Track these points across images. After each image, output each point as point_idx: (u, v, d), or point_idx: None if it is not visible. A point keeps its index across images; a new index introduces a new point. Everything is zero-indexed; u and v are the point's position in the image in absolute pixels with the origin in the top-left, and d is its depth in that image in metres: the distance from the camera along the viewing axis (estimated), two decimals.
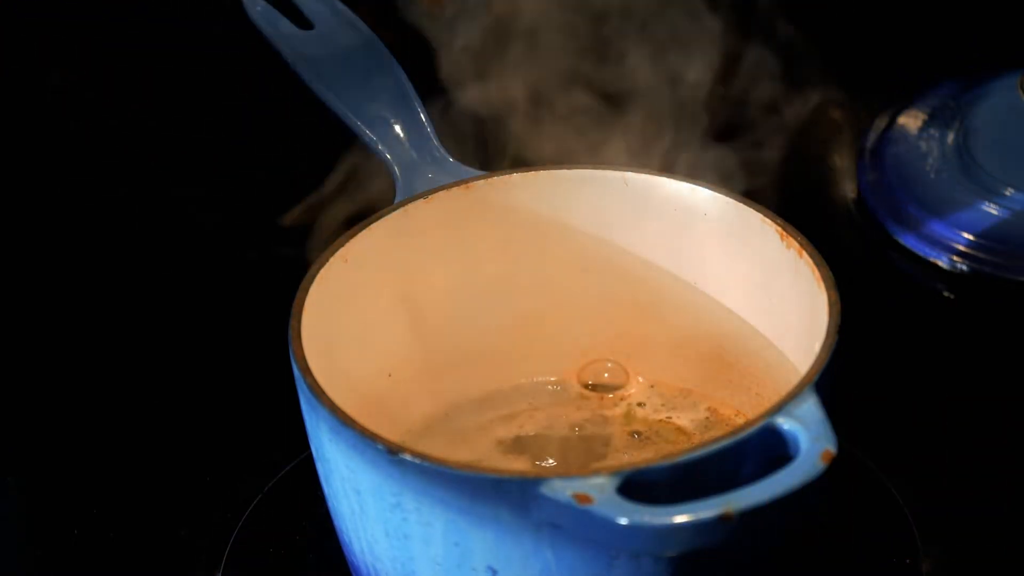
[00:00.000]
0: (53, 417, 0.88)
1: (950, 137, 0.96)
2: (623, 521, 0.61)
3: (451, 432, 0.80)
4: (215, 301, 0.94)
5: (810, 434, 0.63)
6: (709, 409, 0.80)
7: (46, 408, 0.89)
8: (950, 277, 0.91)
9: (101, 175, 1.04)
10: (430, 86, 0.84)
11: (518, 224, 0.79)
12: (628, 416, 0.80)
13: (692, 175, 0.78)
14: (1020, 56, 0.99)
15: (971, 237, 0.91)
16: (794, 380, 0.66)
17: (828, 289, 0.71)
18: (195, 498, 0.82)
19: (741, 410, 0.79)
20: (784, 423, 0.64)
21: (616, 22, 0.92)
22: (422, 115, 0.81)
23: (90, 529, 0.81)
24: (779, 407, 0.65)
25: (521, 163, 0.83)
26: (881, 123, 1.00)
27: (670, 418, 0.80)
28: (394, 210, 0.77)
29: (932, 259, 0.92)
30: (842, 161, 1.00)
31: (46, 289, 0.96)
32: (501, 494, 0.64)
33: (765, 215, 0.75)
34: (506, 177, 0.79)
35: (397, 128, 0.80)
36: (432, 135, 0.80)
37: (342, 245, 0.75)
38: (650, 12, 0.94)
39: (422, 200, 0.78)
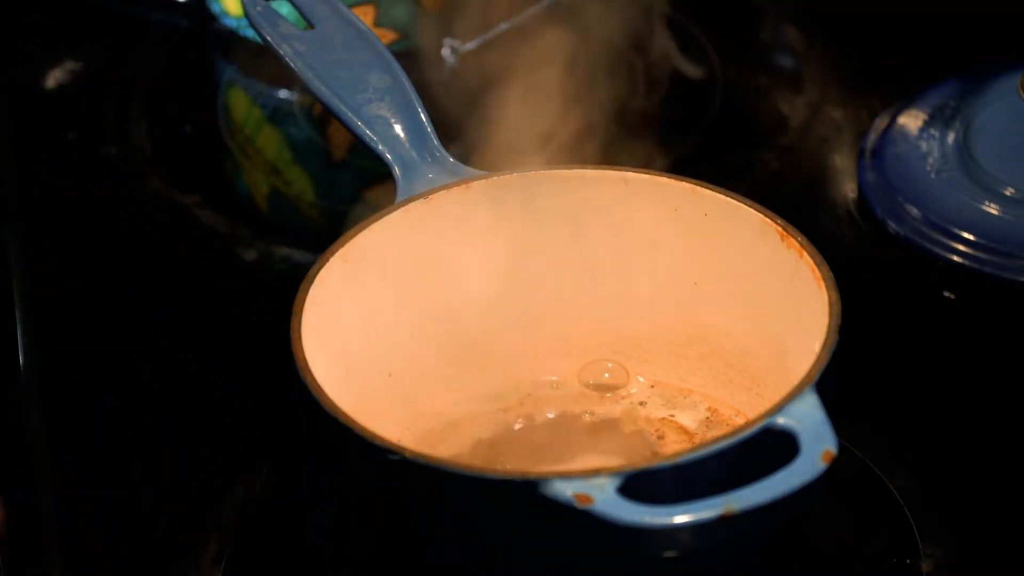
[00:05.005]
0: (53, 417, 0.88)
1: (950, 137, 0.96)
2: (623, 521, 0.61)
3: (451, 432, 0.80)
4: (215, 301, 0.94)
5: (810, 434, 0.63)
6: (710, 409, 0.80)
7: (46, 408, 0.89)
8: (950, 277, 0.91)
9: (101, 174, 1.04)
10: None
11: (518, 224, 0.79)
12: (629, 416, 0.80)
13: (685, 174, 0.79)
14: (1020, 56, 0.99)
15: (971, 237, 0.91)
16: (794, 380, 0.66)
17: (828, 289, 0.71)
18: (195, 498, 0.82)
19: (741, 410, 0.79)
20: (784, 423, 0.64)
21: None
22: (422, 115, 0.81)
23: (89, 529, 0.81)
24: (779, 407, 0.65)
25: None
26: (881, 123, 1.00)
27: (671, 417, 0.80)
28: (394, 210, 0.77)
29: (932, 259, 0.92)
30: (842, 161, 1.00)
31: (46, 288, 0.96)
32: (502, 494, 0.64)
33: (765, 215, 0.75)
34: (506, 177, 0.79)
35: (397, 128, 0.80)
36: (432, 135, 0.80)
37: (342, 245, 0.75)
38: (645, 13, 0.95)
39: (422, 200, 0.78)
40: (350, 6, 0.88)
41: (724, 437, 0.64)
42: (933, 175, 0.95)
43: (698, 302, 0.79)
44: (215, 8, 1.11)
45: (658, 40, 0.99)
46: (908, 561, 0.76)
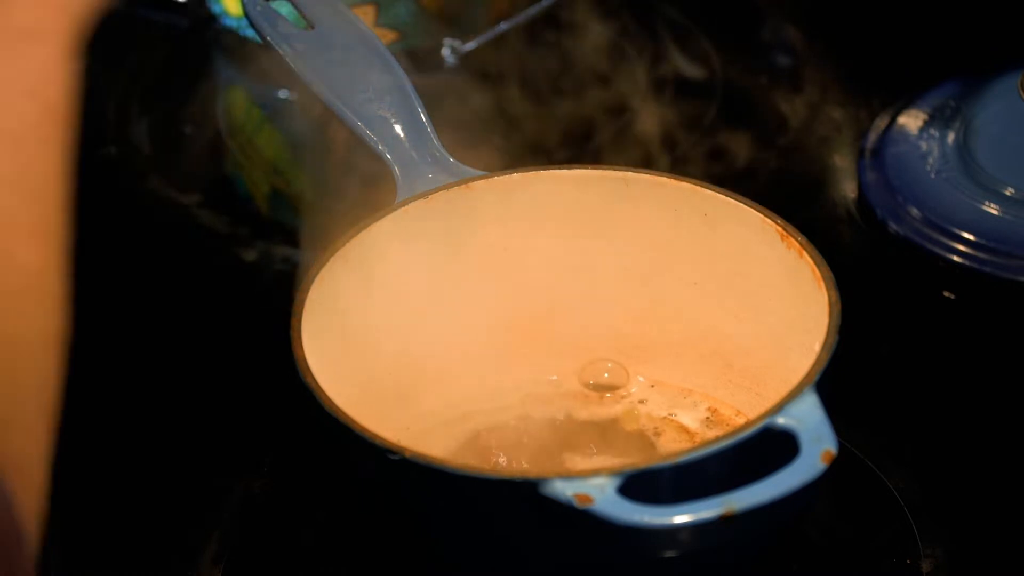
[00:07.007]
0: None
1: (950, 137, 0.96)
2: (623, 521, 0.61)
3: (451, 432, 0.80)
4: (215, 301, 0.94)
5: (810, 434, 0.63)
6: (710, 409, 0.80)
7: None
8: (950, 277, 0.91)
9: (101, 174, 1.04)
10: None
11: (518, 224, 0.79)
12: (629, 416, 0.80)
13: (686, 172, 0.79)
14: (1020, 56, 0.99)
15: (971, 237, 0.91)
16: (794, 380, 0.66)
17: (828, 289, 0.71)
18: (195, 498, 0.82)
19: (741, 410, 0.79)
20: (784, 423, 0.64)
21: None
22: (422, 115, 0.80)
23: (90, 529, 0.81)
24: (779, 407, 0.65)
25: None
26: (881, 123, 1.00)
27: (671, 417, 0.80)
28: (394, 210, 0.77)
29: (932, 259, 0.91)
30: (842, 161, 1.00)
31: None
32: (502, 494, 0.64)
33: (765, 215, 0.75)
34: (506, 177, 0.79)
35: (397, 128, 0.80)
36: (432, 135, 0.80)
37: (342, 245, 0.75)
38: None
39: (422, 200, 0.78)
40: (350, 6, 0.88)
41: (724, 437, 0.64)
42: (933, 175, 0.94)
43: (698, 302, 0.79)
44: (215, 8, 1.11)
45: (658, 40, 0.99)
46: (908, 561, 0.76)
